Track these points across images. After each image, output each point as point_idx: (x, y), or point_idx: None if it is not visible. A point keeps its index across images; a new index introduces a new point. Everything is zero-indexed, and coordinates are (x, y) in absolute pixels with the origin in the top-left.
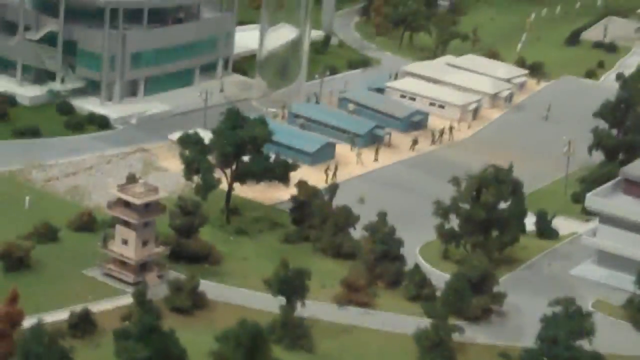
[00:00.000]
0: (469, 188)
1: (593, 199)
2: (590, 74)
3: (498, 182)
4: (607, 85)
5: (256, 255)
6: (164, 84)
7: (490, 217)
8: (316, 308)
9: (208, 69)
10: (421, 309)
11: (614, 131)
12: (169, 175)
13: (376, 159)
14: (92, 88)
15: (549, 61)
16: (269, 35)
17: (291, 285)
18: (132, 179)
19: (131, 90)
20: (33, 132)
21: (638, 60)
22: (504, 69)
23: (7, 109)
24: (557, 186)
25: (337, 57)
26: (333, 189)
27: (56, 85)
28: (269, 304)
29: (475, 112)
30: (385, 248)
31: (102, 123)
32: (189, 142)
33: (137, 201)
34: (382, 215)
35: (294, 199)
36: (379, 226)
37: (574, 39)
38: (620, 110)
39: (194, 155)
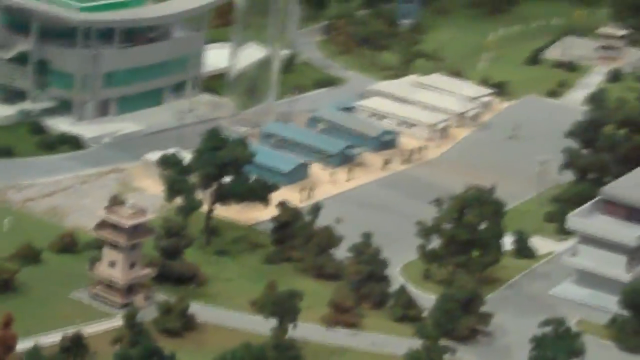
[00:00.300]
0: (452, 209)
1: (574, 220)
2: (553, 94)
3: (480, 203)
4: (570, 105)
5: (239, 276)
6: (135, 104)
7: (473, 237)
8: (305, 329)
9: (177, 89)
10: (409, 330)
11: (584, 151)
12: (146, 196)
13: (349, 179)
14: (63, 108)
15: (511, 80)
16: (238, 55)
17: (283, 307)
18: (115, 200)
19: (103, 110)
20: (6, 152)
21: (598, 79)
22: (470, 89)
23: None
24: (530, 205)
25: (303, 76)
26: (315, 209)
27: (27, 105)
28: (258, 326)
29: (444, 131)
30: (371, 269)
31: (74, 143)
32: (169, 162)
33: (125, 223)
34: (367, 236)
35: (275, 219)
36: (363, 247)
37: (534, 58)
38: (591, 131)
39: (175, 176)
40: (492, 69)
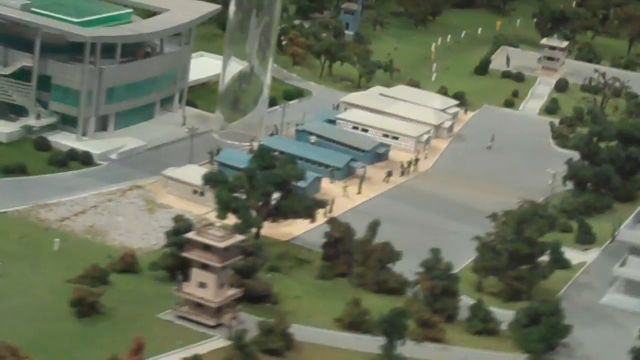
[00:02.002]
0: (511, 224)
1: (625, 232)
2: (509, 104)
3: (538, 217)
4: (528, 114)
5: (305, 293)
6: (130, 119)
7: (533, 251)
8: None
9: (165, 102)
10: (491, 343)
11: (585, 163)
12: (175, 212)
13: (359, 192)
14: (64, 123)
15: (465, 91)
16: (227, 68)
17: (392, 325)
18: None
19: (102, 125)
20: (20, 170)
21: (546, 89)
22: (438, 100)
23: None
24: None
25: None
26: (374, 225)
27: (31, 121)
28: (352, 344)
29: (427, 142)
30: (445, 284)
31: (84, 159)
32: (214, 180)
33: (219, 244)
34: (436, 252)
35: (327, 235)
36: (434, 262)
37: (483, 69)
38: (593, 143)
39: (228, 194)
40: (443, 80)
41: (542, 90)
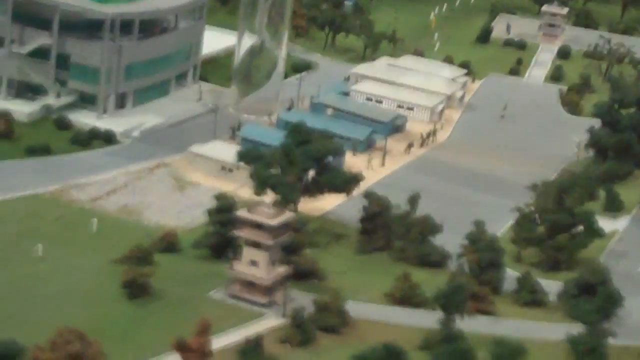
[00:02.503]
0: (551, 194)
1: None
2: (514, 72)
3: (578, 187)
4: (534, 82)
5: (347, 268)
6: (147, 95)
7: (575, 221)
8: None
9: (179, 78)
10: (541, 315)
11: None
12: (203, 190)
13: (383, 164)
14: (83, 102)
15: (470, 60)
16: (242, 43)
17: (452, 300)
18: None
19: (120, 103)
20: (44, 150)
21: (549, 56)
22: (447, 69)
23: (12, 127)
24: None
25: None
26: (414, 199)
27: (50, 100)
28: (407, 319)
29: (441, 113)
30: (491, 256)
31: (107, 138)
32: (250, 157)
33: (272, 222)
34: (480, 224)
35: (365, 209)
36: (478, 235)
37: (485, 37)
38: (614, 111)
39: (265, 170)
40: (446, 49)
41: (545, 57)
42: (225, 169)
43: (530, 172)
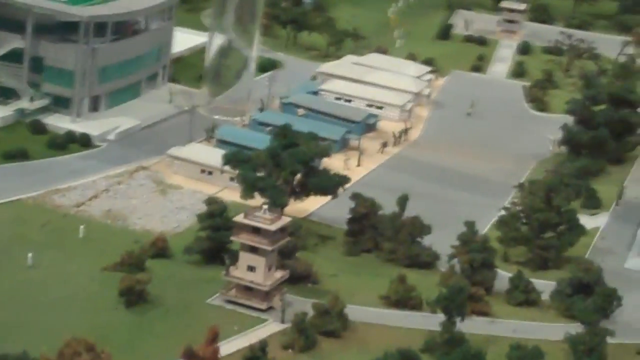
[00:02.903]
0: (539, 193)
1: None
2: (476, 68)
3: (565, 186)
4: (497, 78)
5: (338, 270)
6: (119, 97)
7: (561, 220)
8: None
9: (149, 79)
10: (536, 314)
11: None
12: (186, 193)
13: (359, 164)
14: (56, 105)
15: (431, 57)
16: (213, 43)
17: (453, 302)
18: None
19: (94, 106)
20: (22, 155)
21: (509, 52)
22: (412, 67)
23: None
24: None
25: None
26: (403, 200)
27: (24, 104)
28: (405, 321)
29: (411, 111)
30: (483, 257)
31: (83, 141)
32: (236, 160)
33: (270, 227)
34: (471, 225)
35: (353, 211)
36: (470, 236)
37: (445, 34)
38: (589, 108)
39: (253, 174)
40: (409, 46)
41: (505, 53)
42: (205, 172)
43: (504, 169)
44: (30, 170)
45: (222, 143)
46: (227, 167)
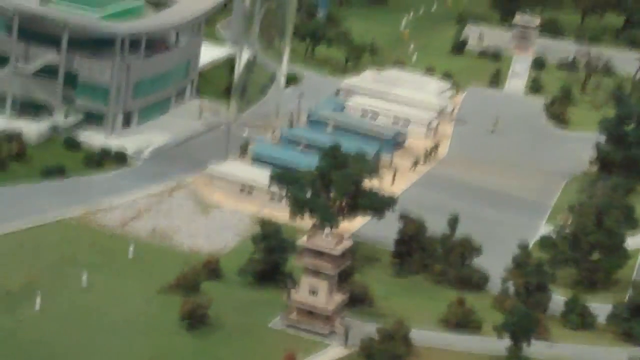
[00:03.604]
0: (590, 215)
1: None
2: (494, 83)
3: (615, 208)
4: (514, 94)
5: (390, 293)
6: (150, 113)
7: (613, 242)
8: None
9: (177, 94)
10: (593, 338)
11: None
12: (227, 212)
13: (393, 182)
14: (86, 120)
15: (448, 71)
16: (241, 60)
17: (520, 326)
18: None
19: (126, 121)
20: (59, 171)
21: (524, 67)
22: (434, 82)
23: (25, 149)
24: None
25: (259, 74)
26: (453, 221)
27: (59, 120)
28: (467, 345)
29: (437, 127)
30: (539, 279)
31: (118, 158)
32: (284, 180)
33: (335, 252)
34: (524, 247)
35: (401, 232)
36: (524, 258)
37: (459, 48)
38: (622, 126)
39: (303, 194)
40: (424, 60)
41: (520, 68)
42: (244, 191)
43: (535, 188)
44: (68, 188)
45: (257, 160)
46: (273, 187)
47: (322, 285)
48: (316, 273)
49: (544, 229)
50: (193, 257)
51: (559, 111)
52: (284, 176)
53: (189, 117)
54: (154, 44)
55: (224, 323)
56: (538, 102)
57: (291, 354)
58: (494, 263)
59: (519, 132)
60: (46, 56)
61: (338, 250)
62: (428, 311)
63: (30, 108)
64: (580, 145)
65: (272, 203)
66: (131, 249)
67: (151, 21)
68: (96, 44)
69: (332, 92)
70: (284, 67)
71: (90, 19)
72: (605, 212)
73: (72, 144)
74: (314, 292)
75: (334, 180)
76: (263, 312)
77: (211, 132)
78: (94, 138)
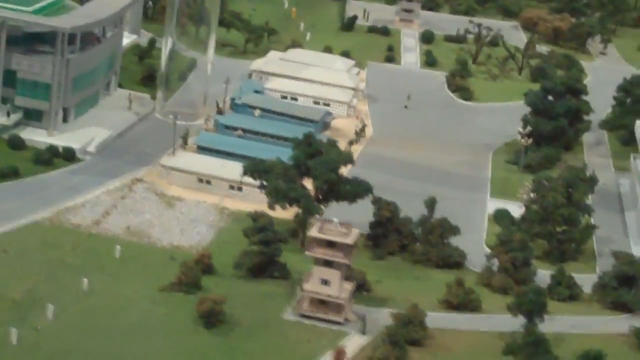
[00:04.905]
0: (560, 189)
1: None
2: (390, 59)
3: (582, 182)
4: (412, 69)
5: (380, 276)
6: (83, 107)
7: (583, 214)
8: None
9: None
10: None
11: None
12: (191, 203)
13: None
14: (25, 118)
15: (340, 48)
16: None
17: (534, 304)
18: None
19: (64, 117)
20: (13, 173)
21: (413, 42)
22: (340, 61)
23: None
24: (503, 173)
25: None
26: (431, 202)
27: (1, 119)
28: (475, 324)
29: (354, 107)
30: (525, 255)
31: (66, 155)
32: (257, 170)
33: (346, 240)
34: (506, 223)
35: (376, 214)
36: (508, 235)
37: (349, 25)
38: (546, 100)
39: (283, 184)
40: (317, 39)
41: (409, 43)
42: (203, 181)
43: (465, 162)
44: (26, 188)
45: (203, 150)
46: (246, 178)
47: (335, 275)
48: (328, 263)
49: (493, 203)
50: (176, 252)
51: (460, 84)
52: (256, 166)
53: (117, 109)
54: (87, 37)
55: (237, 318)
56: (437, 76)
57: (341, 349)
58: (459, 241)
59: (429, 107)
60: None
61: (350, 239)
62: (423, 293)
63: None
64: (488, 117)
65: (231, 192)
66: (118, 248)
67: (83, 16)
68: (31, 41)
69: (238, 76)
70: (210, 55)
71: (31, 16)
72: (573, 186)
73: (17, 143)
74: (326, 282)
75: (313, 168)
76: (270, 304)
77: (142, 123)
78: (35, 136)
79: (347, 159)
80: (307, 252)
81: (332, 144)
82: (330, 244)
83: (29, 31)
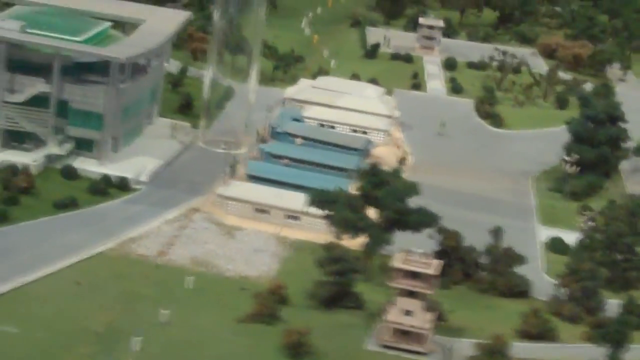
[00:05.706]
0: (624, 219)
1: None
2: (416, 86)
3: None
4: (439, 96)
5: (450, 306)
6: (130, 137)
7: None
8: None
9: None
10: None
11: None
12: (251, 233)
13: None
14: (76, 148)
15: (366, 75)
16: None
17: (619, 334)
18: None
19: (114, 147)
20: (72, 204)
21: (436, 69)
22: (371, 89)
23: (34, 182)
24: (547, 201)
25: (197, 88)
26: (497, 231)
27: (54, 149)
28: (560, 354)
29: (391, 134)
30: (595, 284)
31: (121, 185)
32: (324, 200)
33: (430, 271)
34: (579, 252)
35: (441, 244)
36: (577, 263)
37: (373, 52)
38: (589, 127)
39: (351, 214)
40: (342, 66)
41: (432, 69)
42: (260, 211)
43: (506, 188)
44: (86, 219)
45: (252, 178)
46: (312, 208)
47: (417, 305)
48: (411, 293)
49: (543, 231)
50: (245, 283)
51: (488, 111)
52: (322, 196)
53: (160, 137)
54: (135, 66)
55: (320, 349)
56: (465, 103)
57: None
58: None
59: (462, 134)
60: (35, 86)
61: (433, 270)
62: (496, 322)
63: (16, 139)
64: (521, 144)
65: (288, 222)
66: (191, 279)
67: (137, 44)
68: (81, 71)
69: (270, 103)
70: (253, 83)
71: (86, 46)
72: (636, 215)
73: (70, 173)
74: (409, 312)
75: (381, 198)
76: (350, 334)
77: (187, 151)
78: (87, 165)
79: (414, 189)
80: (390, 283)
81: (397, 174)
82: (414, 275)
83: (79, 61)
